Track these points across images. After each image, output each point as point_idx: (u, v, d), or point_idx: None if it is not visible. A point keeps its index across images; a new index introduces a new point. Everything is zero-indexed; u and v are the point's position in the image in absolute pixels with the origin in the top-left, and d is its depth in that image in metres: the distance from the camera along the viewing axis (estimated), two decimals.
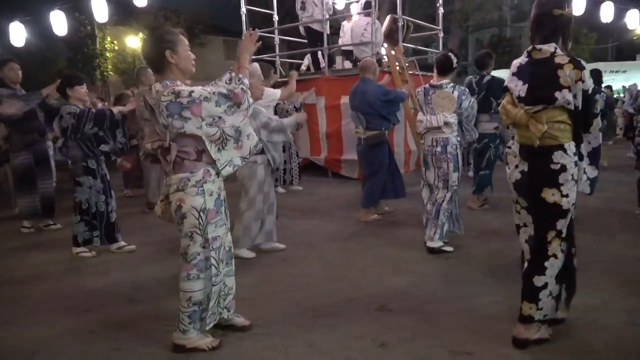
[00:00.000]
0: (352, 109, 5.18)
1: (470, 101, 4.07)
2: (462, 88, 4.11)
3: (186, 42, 2.40)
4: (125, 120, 4.31)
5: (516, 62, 2.48)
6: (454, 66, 4.09)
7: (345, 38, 8.51)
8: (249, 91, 2.36)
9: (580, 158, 2.38)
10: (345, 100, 7.47)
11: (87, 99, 4.23)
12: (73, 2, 8.22)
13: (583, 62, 2.26)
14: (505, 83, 2.52)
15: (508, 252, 3.91)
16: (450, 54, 4.15)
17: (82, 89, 4.11)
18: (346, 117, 7.64)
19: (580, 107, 2.29)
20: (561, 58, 2.27)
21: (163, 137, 2.40)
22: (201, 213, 2.34)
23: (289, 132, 4.09)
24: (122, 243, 4.35)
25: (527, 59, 2.41)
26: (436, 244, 4.00)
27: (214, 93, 2.28)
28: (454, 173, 4.04)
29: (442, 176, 4.08)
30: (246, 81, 2.36)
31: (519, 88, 2.39)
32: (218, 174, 2.40)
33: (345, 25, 8.51)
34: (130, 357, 2.54)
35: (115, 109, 4.17)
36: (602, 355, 2.38)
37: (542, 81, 2.31)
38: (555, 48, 2.31)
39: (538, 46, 2.35)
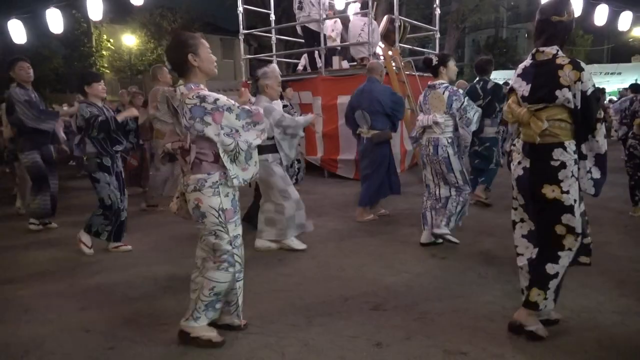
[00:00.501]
0: (357, 108, 5.18)
1: (462, 103, 4.00)
2: (454, 89, 4.09)
3: (207, 45, 2.48)
4: (139, 127, 4.34)
5: (521, 65, 2.59)
6: (434, 64, 4.11)
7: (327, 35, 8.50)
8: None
9: (582, 157, 2.45)
10: (342, 100, 7.49)
11: (105, 95, 4.25)
12: (69, 0, 8.18)
13: (583, 64, 2.35)
14: (511, 84, 2.62)
15: (502, 253, 3.94)
16: (431, 56, 4.23)
17: (100, 86, 4.13)
18: (343, 118, 7.63)
19: (579, 107, 2.36)
20: (562, 59, 2.38)
21: (183, 139, 2.46)
22: (220, 212, 2.42)
23: (301, 131, 4.16)
24: (120, 243, 4.34)
25: (531, 61, 2.51)
26: (442, 230, 4.05)
27: (237, 106, 2.39)
28: (450, 174, 4.05)
29: (439, 175, 4.11)
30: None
31: (523, 88, 2.49)
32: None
33: (327, 23, 8.50)
34: (125, 356, 2.54)
35: (120, 117, 4.14)
36: (596, 355, 2.40)
37: (543, 81, 2.41)
38: (558, 50, 2.42)
39: (541, 48, 2.46)
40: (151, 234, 4.88)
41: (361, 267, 3.78)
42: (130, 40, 21.11)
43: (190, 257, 4.03)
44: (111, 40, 20.86)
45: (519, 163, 2.55)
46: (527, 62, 2.54)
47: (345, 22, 8.91)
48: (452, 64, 4.11)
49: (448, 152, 4.02)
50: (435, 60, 4.11)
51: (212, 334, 2.56)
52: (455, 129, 4.08)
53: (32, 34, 8.71)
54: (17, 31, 7.51)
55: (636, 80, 15.08)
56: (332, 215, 5.55)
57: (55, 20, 7.44)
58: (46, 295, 3.39)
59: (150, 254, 4.27)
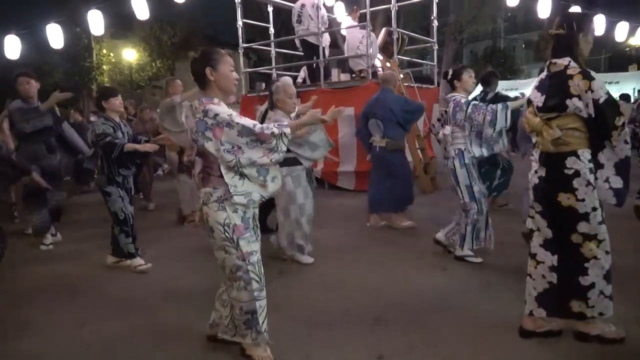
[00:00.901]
0: (370, 117, 5.31)
1: (465, 113, 3.93)
2: (457, 100, 4.04)
3: (230, 62, 2.43)
4: (148, 155, 4.32)
5: (538, 77, 2.68)
6: (449, 78, 4.14)
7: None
8: (284, 139, 2.33)
9: (599, 166, 2.48)
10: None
11: (122, 109, 4.22)
12: (70, 15, 8.25)
13: (593, 74, 2.42)
14: (528, 95, 2.74)
15: (505, 262, 3.94)
16: (450, 69, 4.24)
17: (117, 101, 4.11)
18: (343, 129, 7.67)
19: (593, 116, 2.40)
20: (573, 70, 2.46)
21: (192, 151, 2.45)
22: (226, 227, 2.36)
23: (317, 134, 4.02)
24: (120, 258, 4.29)
25: (546, 73, 2.60)
26: (458, 252, 4.06)
27: (237, 123, 2.27)
28: (457, 187, 4.02)
29: (454, 187, 4.12)
30: (287, 130, 2.33)
31: (538, 99, 2.59)
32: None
33: None
34: None
35: (128, 147, 4.01)
36: None
37: (555, 91, 2.49)
38: (570, 61, 2.50)
39: (553, 60, 2.55)
40: (151, 248, 4.86)
41: (362, 278, 3.77)
42: (130, 54, 21.24)
43: (191, 271, 4.07)
44: (112, 55, 21.01)
45: (536, 172, 2.63)
46: (543, 74, 2.63)
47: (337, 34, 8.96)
48: (466, 76, 4.05)
49: (454, 164, 4.00)
50: (450, 74, 4.14)
51: (264, 354, 2.51)
52: (477, 136, 3.96)
53: (33, 49, 8.74)
54: (12, 47, 7.50)
55: (634, 89, 15.18)
56: (332, 226, 5.54)
57: (55, 36, 7.48)
58: (46, 310, 3.38)
59: (150, 267, 4.26)
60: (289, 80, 4.12)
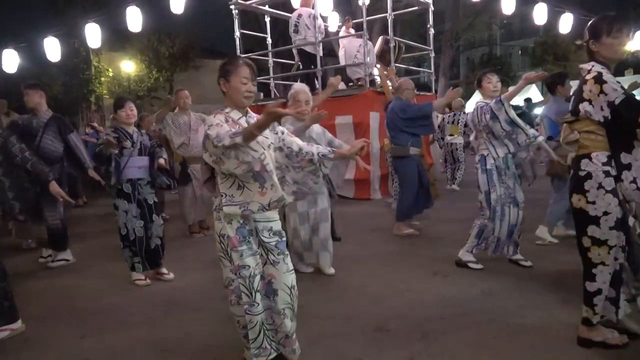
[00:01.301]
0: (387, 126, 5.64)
1: (477, 117, 3.96)
2: (476, 106, 4.05)
3: (243, 73, 2.32)
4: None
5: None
6: (474, 82, 4.29)
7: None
8: (242, 148, 2.12)
9: (625, 167, 2.41)
10: (339, 120, 7.54)
11: (130, 120, 4.12)
12: (67, 29, 8.28)
13: (605, 77, 2.42)
14: (522, 82, 3.17)
15: (506, 268, 3.93)
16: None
17: (123, 112, 4.06)
18: (341, 137, 7.64)
19: (610, 118, 2.40)
20: (590, 74, 2.49)
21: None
22: (221, 238, 2.35)
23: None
24: (163, 270, 4.24)
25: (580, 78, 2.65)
26: (463, 257, 4.07)
27: (209, 135, 2.19)
28: (478, 191, 4.04)
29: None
30: (238, 140, 2.07)
31: (571, 104, 2.64)
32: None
33: None
34: None
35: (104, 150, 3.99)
36: None
37: (575, 95, 2.56)
38: (593, 65, 2.52)
39: (580, 65, 2.61)
40: None
41: (363, 286, 3.76)
42: (128, 66, 21.31)
43: (193, 282, 4.05)
44: (109, 69, 21.09)
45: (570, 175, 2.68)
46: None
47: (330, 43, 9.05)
48: (484, 83, 4.05)
49: (478, 169, 4.04)
50: (475, 82, 4.23)
51: None
52: (494, 136, 3.92)
53: (31, 63, 8.76)
54: (9, 61, 7.52)
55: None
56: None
57: (53, 49, 7.52)
58: (46, 323, 3.36)
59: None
60: (299, 87, 4.07)
